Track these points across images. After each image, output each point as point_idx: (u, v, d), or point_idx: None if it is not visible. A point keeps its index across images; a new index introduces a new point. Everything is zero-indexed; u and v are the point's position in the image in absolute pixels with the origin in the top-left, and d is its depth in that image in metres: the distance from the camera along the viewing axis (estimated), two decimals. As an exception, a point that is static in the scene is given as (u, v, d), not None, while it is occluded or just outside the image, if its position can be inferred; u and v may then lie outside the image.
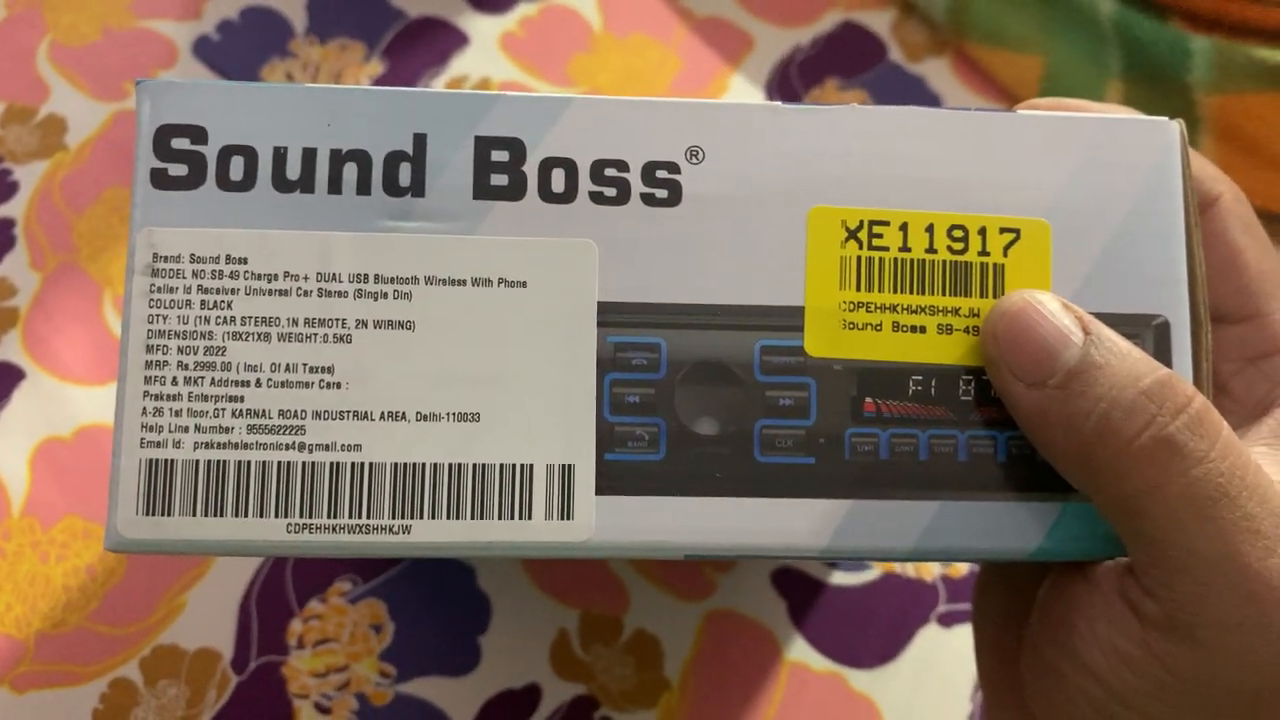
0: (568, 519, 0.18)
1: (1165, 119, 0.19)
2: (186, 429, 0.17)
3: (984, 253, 0.19)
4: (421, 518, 0.17)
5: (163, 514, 0.17)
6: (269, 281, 0.18)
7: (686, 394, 0.18)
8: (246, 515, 0.17)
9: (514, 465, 0.18)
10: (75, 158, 0.36)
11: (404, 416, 0.18)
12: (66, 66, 0.37)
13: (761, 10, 0.41)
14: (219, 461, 0.17)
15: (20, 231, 0.35)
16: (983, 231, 0.19)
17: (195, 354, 0.18)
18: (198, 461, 0.17)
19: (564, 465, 0.18)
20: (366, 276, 0.18)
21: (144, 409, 0.17)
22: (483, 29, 0.39)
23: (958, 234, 0.19)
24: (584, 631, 0.33)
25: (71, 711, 0.31)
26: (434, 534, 0.17)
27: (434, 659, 0.32)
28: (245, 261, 0.18)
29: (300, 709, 0.31)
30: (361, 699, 0.32)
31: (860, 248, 0.19)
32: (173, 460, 0.17)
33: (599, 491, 0.18)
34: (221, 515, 0.17)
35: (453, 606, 0.33)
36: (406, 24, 0.39)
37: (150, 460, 0.17)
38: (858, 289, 0.19)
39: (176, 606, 0.32)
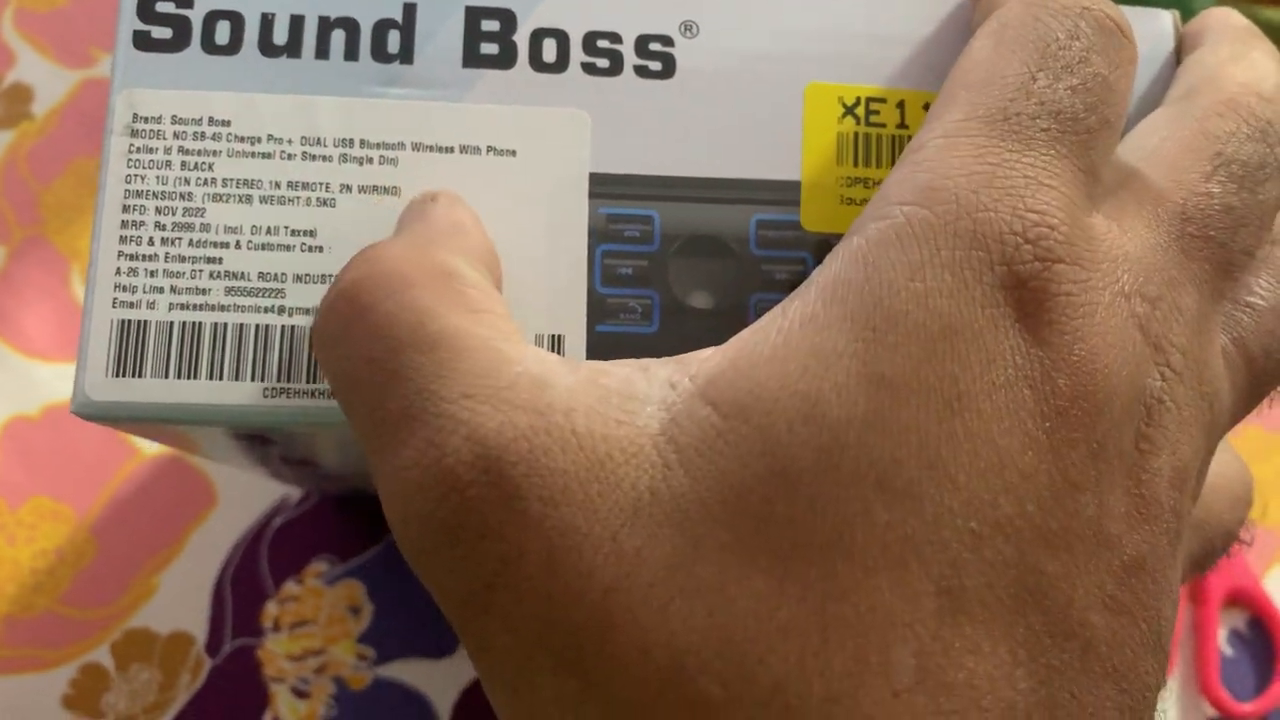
0: None
1: (1161, 10, 0.19)
2: (161, 290, 0.17)
3: None
4: None
5: (134, 375, 0.17)
6: (252, 144, 0.17)
7: (680, 267, 0.18)
8: (221, 378, 0.17)
9: None
10: (42, 127, 0.35)
11: None
12: (33, 33, 0.36)
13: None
14: (194, 323, 0.17)
15: (-14, 206, 0.34)
16: None
17: (173, 215, 0.17)
18: (172, 323, 0.17)
19: (553, 335, 0.17)
20: (352, 141, 0.18)
21: (118, 269, 0.17)
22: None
23: None
24: (568, 612, 0.32)
25: (41, 697, 0.30)
26: None
27: (413, 641, 0.31)
28: (228, 124, 0.17)
29: (276, 693, 0.31)
30: (339, 682, 0.31)
31: (857, 124, 0.18)
32: (146, 321, 0.17)
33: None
34: (195, 378, 0.17)
35: (433, 587, 0.32)
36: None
37: (123, 321, 0.17)
38: (855, 164, 0.18)
39: (148, 588, 0.31)
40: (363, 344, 0.15)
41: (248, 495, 0.32)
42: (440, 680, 0.31)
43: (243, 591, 0.31)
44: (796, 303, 0.14)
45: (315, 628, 0.31)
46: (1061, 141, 0.15)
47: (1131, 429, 0.14)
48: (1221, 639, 0.34)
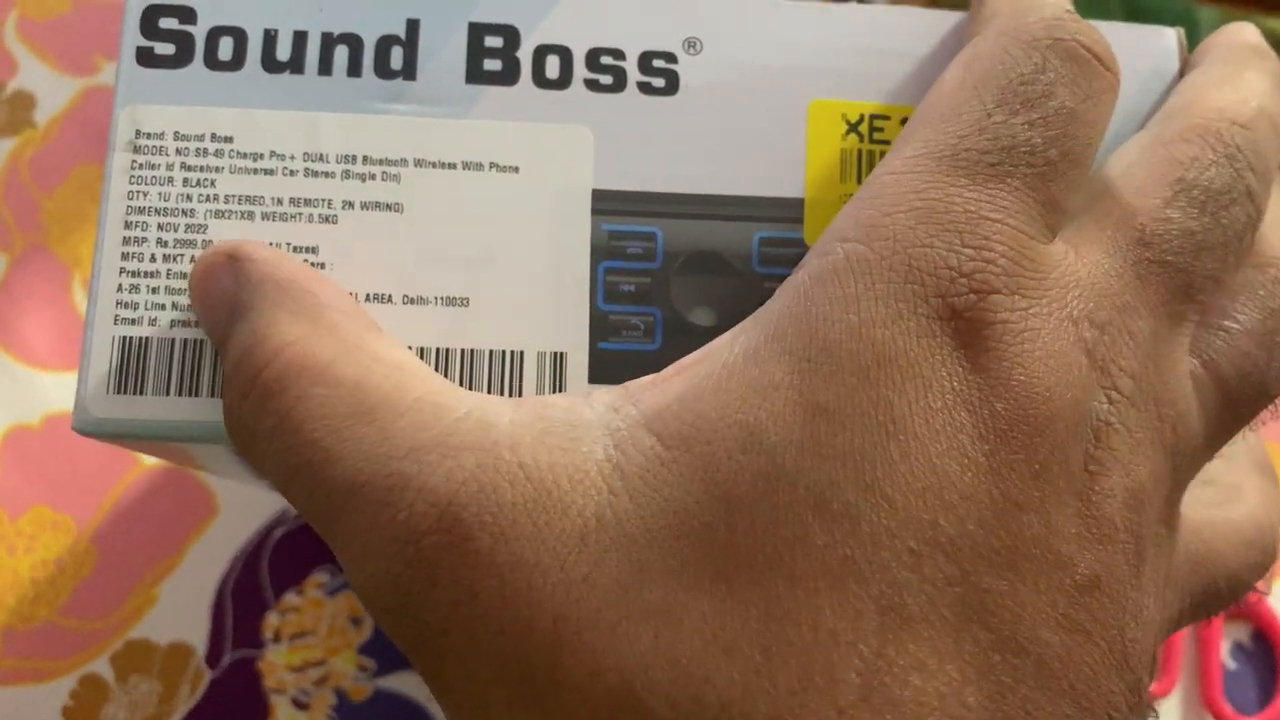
0: None
1: (1164, 27, 0.19)
2: (164, 306, 0.17)
3: None
4: None
5: (135, 392, 0.17)
6: (254, 160, 0.17)
7: (683, 284, 0.18)
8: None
9: (504, 351, 0.17)
10: (44, 135, 0.35)
11: (390, 299, 0.17)
12: (35, 40, 0.36)
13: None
14: (196, 340, 0.17)
15: (-12, 214, 0.34)
16: None
17: (176, 231, 0.17)
18: (174, 340, 0.17)
19: (556, 353, 0.17)
20: (355, 158, 0.18)
21: (120, 285, 0.17)
22: None
23: None
24: (570, 624, 0.32)
25: (40, 708, 0.30)
26: None
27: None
28: (231, 140, 0.17)
29: (277, 705, 0.30)
30: (340, 694, 0.31)
31: (861, 141, 0.18)
32: (148, 338, 0.17)
33: (592, 380, 0.17)
34: (196, 395, 0.17)
35: (434, 599, 0.32)
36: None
37: (124, 338, 0.17)
38: (858, 181, 0.18)
39: (148, 599, 0.31)
40: (301, 431, 0.15)
41: (248, 506, 0.32)
42: (441, 692, 0.31)
43: (243, 602, 0.31)
44: (742, 337, 0.15)
45: (316, 639, 0.31)
46: (1014, 175, 0.15)
47: (1079, 451, 0.14)
48: (1224, 652, 0.34)
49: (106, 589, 0.31)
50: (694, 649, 0.13)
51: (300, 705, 0.31)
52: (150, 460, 0.32)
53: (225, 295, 0.16)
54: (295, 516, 0.32)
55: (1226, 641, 0.34)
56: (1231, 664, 0.33)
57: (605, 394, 0.15)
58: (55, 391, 0.33)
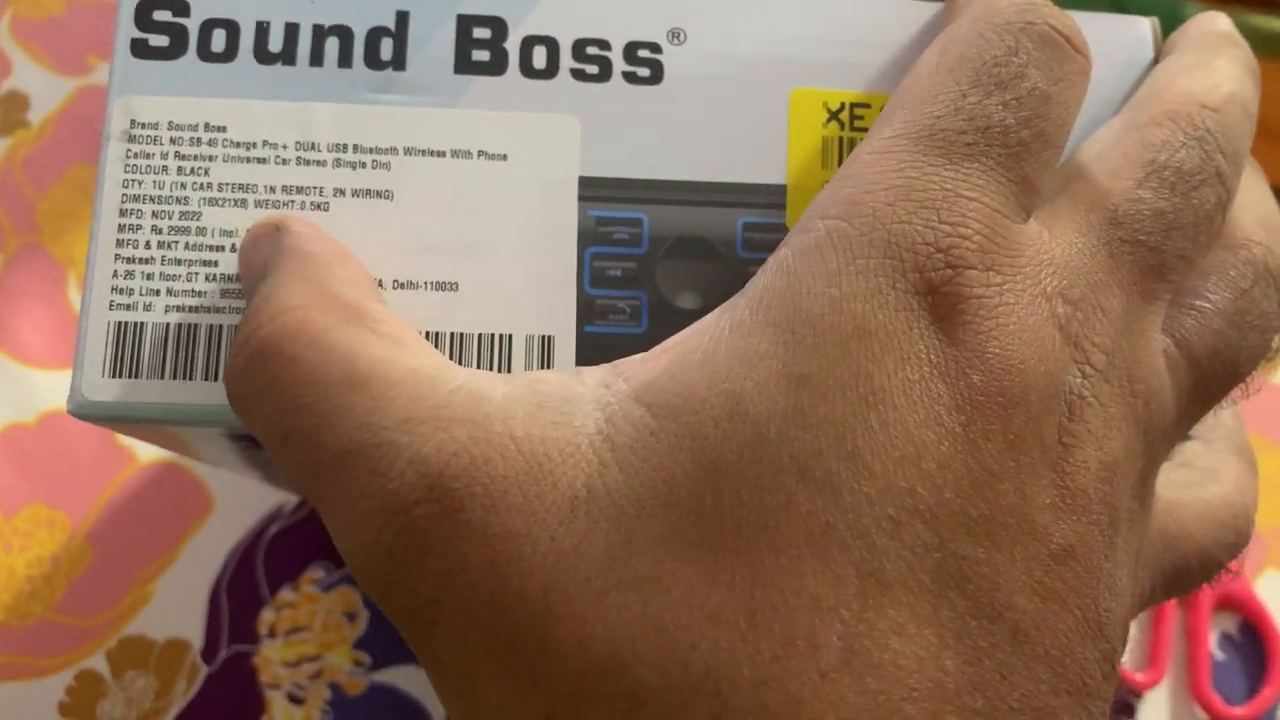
0: None
1: (1140, 16, 0.19)
2: (158, 292, 0.17)
3: None
4: None
5: (130, 376, 0.17)
6: (247, 150, 0.18)
7: (668, 269, 0.18)
8: (217, 379, 0.17)
9: (493, 335, 0.18)
10: (38, 135, 0.35)
11: (381, 284, 0.17)
12: (29, 40, 0.36)
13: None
14: (190, 325, 0.17)
15: (-18, 214, 0.34)
16: None
17: (170, 219, 0.17)
18: (169, 325, 0.17)
19: (544, 336, 0.18)
20: (346, 146, 0.18)
21: (115, 272, 0.17)
22: None
23: None
24: (564, 618, 0.32)
25: (37, 705, 0.30)
26: None
27: (409, 648, 0.31)
28: (224, 130, 0.18)
29: (272, 699, 0.31)
30: (335, 688, 0.31)
31: (842, 129, 0.19)
32: (142, 323, 0.17)
33: (580, 362, 0.18)
34: (191, 379, 0.17)
35: (429, 594, 0.32)
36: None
37: (119, 323, 0.17)
38: (839, 168, 0.18)
39: (144, 596, 0.31)
40: (293, 395, 0.15)
41: (244, 502, 0.32)
42: (436, 686, 0.31)
43: (239, 598, 0.31)
44: (729, 312, 0.15)
45: (311, 634, 0.31)
46: (989, 155, 0.15)
47: (1053, 423, 0.15)
48: (1213, 643, 0.34)
49: (102, 585, 0.31)
50: (681, 617, 0.13)
51: (295, 700, 0.31)
52: (145, 457, 0.32)
53: (259, 261, 0.17)
54: (290, 512, 0.32)
55: (1215, 633, 0.34)
56: (1220, 655, 0.34)
57: (596, 371, 0.15)
58: (50, 390, 0.33)
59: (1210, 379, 0.17)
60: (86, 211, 0.35)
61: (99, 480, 0.32)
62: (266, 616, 0.31)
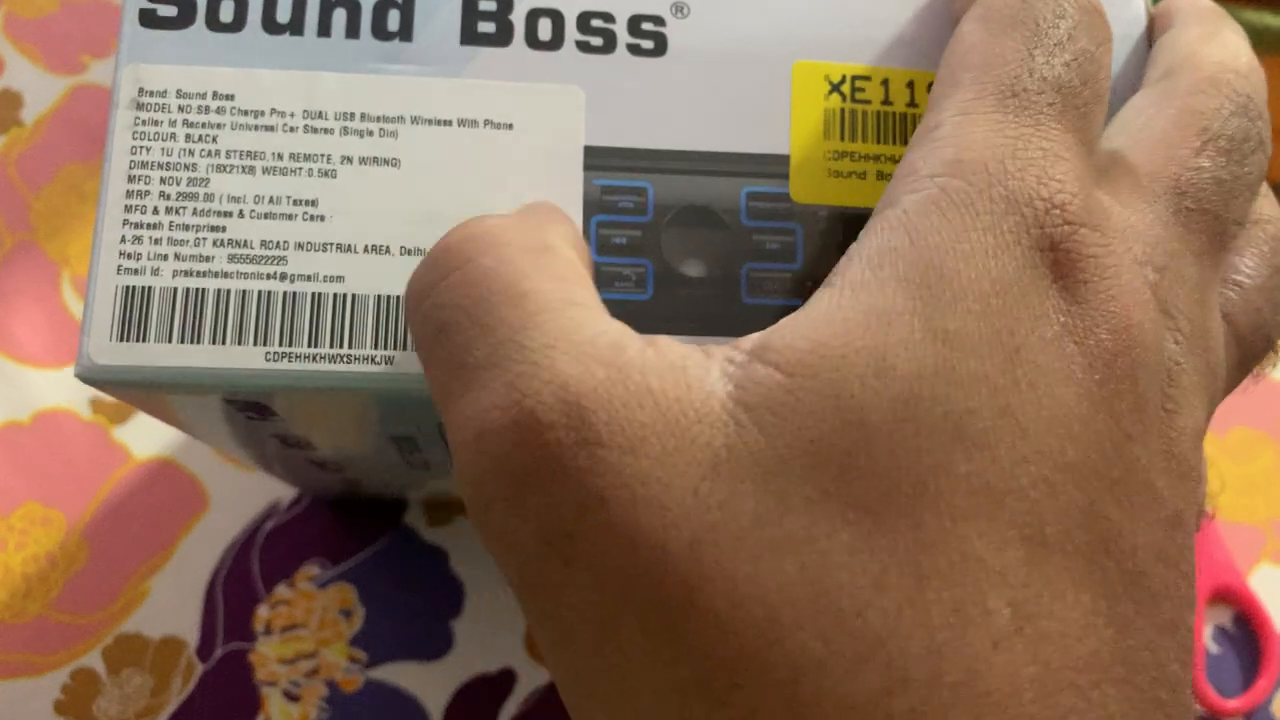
0: None
1: None
2: (166, 257, 0.17)
3: None
4: (406, 349, 0.17)
5: (138, 340, 0.17)
6: (255, 117, 0.18)
7: (673, 237, 0.18)
8: (224, 343, 0.17)
9: None
10: (32, 134, 0.35)
11: (388, 250, 0.18)
12: (22, 39, 0.36)
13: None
14: (198, 289, 0.17)
15: (-24, 213, 0.34)
16: None
17: (178, 185, 0.18)
18: (176, 289, 0.17)
19: None
20: (353, 115, 0.18)
21: (123, 237, 0.17)
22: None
23: None
24: (559, 614, 0.32)
25: (32, 702, 0.30)
26: (418, 365, 0.17)
27: (405, 644, 0.31)
28: (232, 98, 0.18)
29: (268, 697, 0.31)
30: (331, 686, 0.31)
31: (844, 100, 0.19)
32: (150, 287, 0.17)
33: None
34: (198, 342, 0.17)
35: (425, 590, 0.32)
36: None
37: (127, 287, 0.17)
38: (841, 139, 0.19)
39: (140, 593, 0.31)
40: (456, 293, 0.15)
41: (239, 499, 0.32)
42: (432, 683, 0.31)
43: (234, 595, 0.31)
44: (839, 277, 0.15)
45: (307, 631, 0.31)
46: (1066, 115, 0.15)
47: (1159, 389, 0.14)
48: (1206, 636, 0.34)
49: (98, 583, 0.31)
50: (843, 581, 0.13)
51: (291, 697, 0.31)
52: (141, 455, 0.32)
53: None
54: (286, 509, 0.32)
55: (1209, 626, 0.34)
56: (1214, 648, 0.34)
57: (719, 347, 0.15)
58: (46, 388, 0.33)
59: (1249, 354, 0.17)
60: (81, 210, 0.35)
61: (94, 478, 0.32)
62: (262, 613, 0.31)
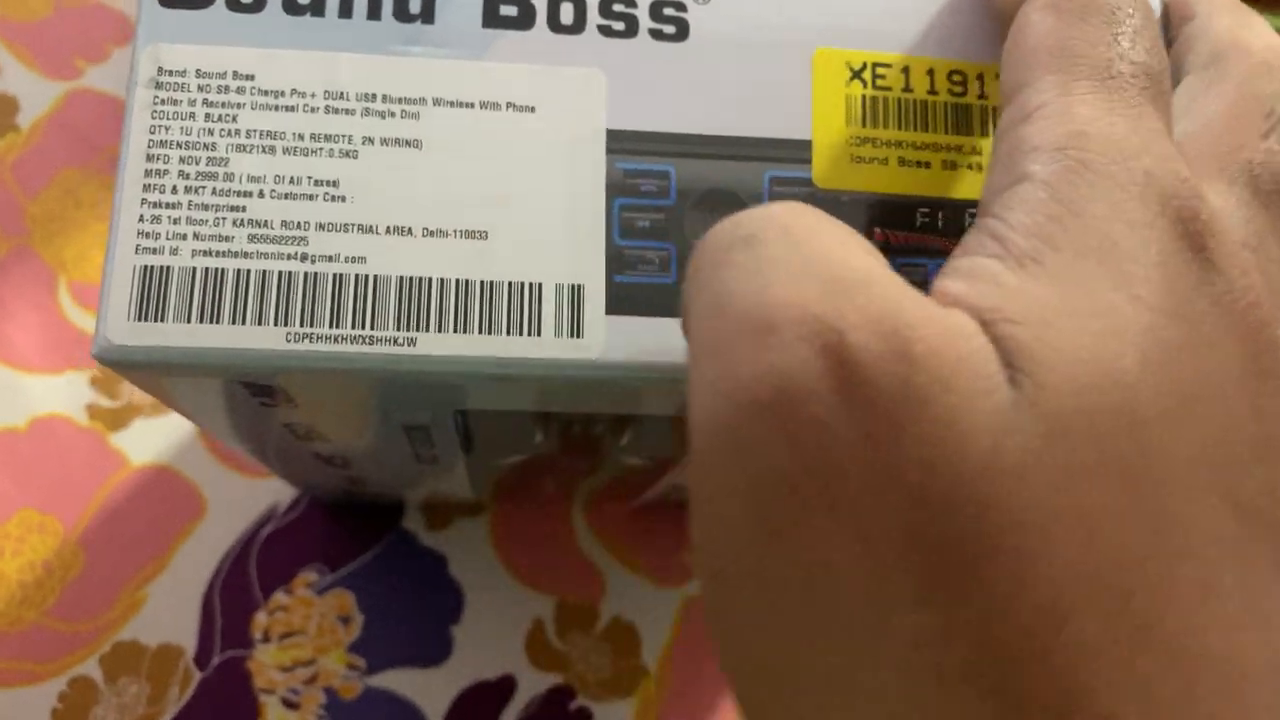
0: (577, 336, 0.18)
1: None
2: (185, 236, 0.17)
3: (982, 96, 0.19)
4: (428, 330, 0.17)
5: (156, 319, 0.17)
6: (276, 98, 0.18)
7: (696, 220, 0.18)
8: (244, 323, 0.17)
9: (523, 283, 0.18)
10: (27, 139, 0.35)
11: (410, 231, 0.18)
12: (17, 44, 0.36)
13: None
14: (217, 269, 0.17)
15: (-29, 220, 0.34)
16: (980, 78, 0.19)
17: (197, 164, 0.17)
18: (195, 269, 0.17)
19: (573, 285, 0.18)
20: (374, 96, 0.18)
21: (141, 216, 0.17)
22: None
23: (957, 78, 0.19)
24: (559, 620, 0.32)
25: (30, 711, 0.30)
26: (441, 347, 0.17)
27: (405, 650, 0.31)
28: (252, 78, 0.18)
29: (266, 704, 0.30)
30: (330, 693, 0.31)
31: (865, 87, 0.19)
32: (169, 267, 0.17)
33: (609, 311, 0.18)
34: (218, 322, 0.17)
35: (424, 596, 0.32)
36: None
37: (145, 266, 0.17)
38: (863, 125, 0.19)
39: (137, 601, 0.31)
40: (780, 247, 0.14)
41: (236, 505, 0.32)
42: (431, 689, 0.31)
43: (232, 602, 0.31)
44: (999, 245, 0.14)
45: (305, 638, 0.31)
46: (1157, 99, 0.15)
47: None
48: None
49: (95, 591, 0.31)
50: (1117, 559, 0.12)
51: (290, 705, 0.31)
52: (137, 461, 0.32)
53: None
54: (283, 514, 0.32)
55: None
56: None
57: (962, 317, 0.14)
58: (42, 394, 0.33)
59: None
60: (77, 215, 0.34)
61: (91, 484, 0.32)
62: (260, 620, 0.31)
